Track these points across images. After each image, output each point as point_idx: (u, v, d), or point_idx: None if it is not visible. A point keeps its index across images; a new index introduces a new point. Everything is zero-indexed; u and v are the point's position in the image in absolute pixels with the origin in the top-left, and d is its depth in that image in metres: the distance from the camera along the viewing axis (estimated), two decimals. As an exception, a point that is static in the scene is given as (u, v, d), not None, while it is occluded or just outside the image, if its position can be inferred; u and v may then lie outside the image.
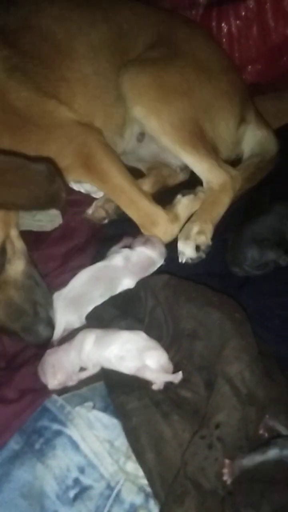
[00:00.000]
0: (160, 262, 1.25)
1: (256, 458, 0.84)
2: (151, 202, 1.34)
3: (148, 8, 1.61)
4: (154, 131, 1.41)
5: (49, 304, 1.15)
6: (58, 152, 1.27)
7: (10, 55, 1.29)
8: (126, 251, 1.24)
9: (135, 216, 1.35)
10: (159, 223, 1.34)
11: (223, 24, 1.83)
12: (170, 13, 1.70)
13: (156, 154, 1.61)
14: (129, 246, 1.26)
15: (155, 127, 1.40)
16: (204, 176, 1.42)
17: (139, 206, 1.33)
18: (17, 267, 1.15)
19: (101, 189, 1.40)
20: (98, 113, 1.45)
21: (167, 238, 1.34)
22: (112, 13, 1.50)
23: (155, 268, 1.24)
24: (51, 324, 1.12)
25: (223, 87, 1.50)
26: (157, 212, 1.34)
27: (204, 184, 1.43)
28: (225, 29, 1.83)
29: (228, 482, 0.81)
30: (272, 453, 0.83)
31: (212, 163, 1.40)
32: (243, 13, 1.80)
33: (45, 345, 1.09)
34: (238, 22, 1.81)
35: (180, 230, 1.37)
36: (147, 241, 1.27)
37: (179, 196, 1.42)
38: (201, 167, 1.41)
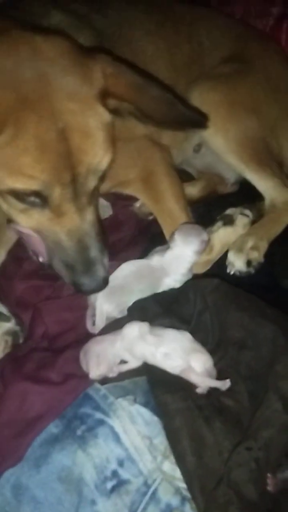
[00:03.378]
0: (193, 256, 1.21)
1: None
2: None
3: (227, 20, 1.61)
4: (219, 149, 1.41)
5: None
6: (126, 165, 1.27)
7: None
8: (162, 251, 1.22)
9: None
10: None
11: (293, 38, 1.80)
12: (246, 26, 1.70)
13: (211, 166, 1.60)
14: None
15: (221, 145, 1.39)
16: (268, 194, 1.40)
17: None
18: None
19: (151, 207, 1.37)
20: (167, 131, 1.43)
21: (198, 270, 1.30)
22: (195, 30, 1.49)
23: (190, 264, 1.21)
24: (106, 272, 1.05)
25: None
26: None
27: (267, 202, 1.41)
28: (295, 43, 1.80)
29: (272, 491, 0.80)
30: None
31: (277, 182, 1.39)
32: None
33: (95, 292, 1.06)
34: (310, 37, 1.79)
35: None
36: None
37: (218, 224, 1.36)
38: (266, 185, 1.39)
